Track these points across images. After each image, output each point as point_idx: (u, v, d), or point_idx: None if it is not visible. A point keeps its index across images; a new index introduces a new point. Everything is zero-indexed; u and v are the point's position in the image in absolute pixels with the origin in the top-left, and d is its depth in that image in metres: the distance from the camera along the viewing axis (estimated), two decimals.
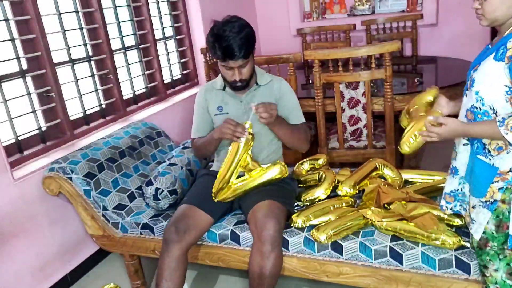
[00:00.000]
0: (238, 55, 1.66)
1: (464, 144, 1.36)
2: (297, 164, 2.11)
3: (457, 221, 1.53)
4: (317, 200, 1.83)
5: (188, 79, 3.52)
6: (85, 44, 2.51)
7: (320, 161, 2.10)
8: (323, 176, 1.94)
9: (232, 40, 1.64)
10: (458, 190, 1.43)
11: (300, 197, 1.88)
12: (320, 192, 1.84)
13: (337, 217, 1.66)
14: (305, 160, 2.12)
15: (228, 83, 1.81)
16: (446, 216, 1.54)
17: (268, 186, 1.80)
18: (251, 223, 1.70)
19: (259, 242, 1.62)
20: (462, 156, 1.38)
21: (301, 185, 2.02)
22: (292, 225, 1.71)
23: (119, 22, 2.76)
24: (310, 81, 2.98)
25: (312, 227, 1.67)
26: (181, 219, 1.75)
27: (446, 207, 1.48)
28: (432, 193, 1.78)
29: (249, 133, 1.71)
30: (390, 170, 1.91)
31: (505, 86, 1.21)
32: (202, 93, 1.97)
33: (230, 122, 1.72)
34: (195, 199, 1.85)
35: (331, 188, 1.87)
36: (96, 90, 2.59)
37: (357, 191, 1.82)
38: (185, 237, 1.71)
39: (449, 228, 1.48)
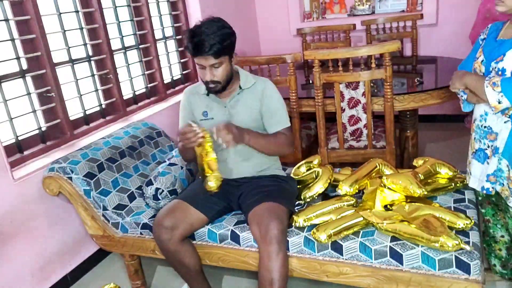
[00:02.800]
0: (208, 51, 1.63)
1: (505, 122, 1.48)
2: (294, 168, 2.12)
3: (459, 223, 1.52)
4: (316, 195, 1.85)
5: (188, 79, 3.52)
6: (85, 44, 2.51)
7: (315, 162, 2.10)
8: (319, 172, 1.95)
9: (205, 36, 1.63)
10: (497, 169, 1.53)
11: (300, 195, 1.89)
12: (319, 187, 1.86)
13: (338, 217, 1.66)
14: (301, 163, 2.12)
15: (204, 84, 1.78)
16: (448, 218, 1.53)
17: (270, 187, 1.81)
18: (253, 224, 1.68)
19: (265, 244, 1.60)
20: (503, 134, 1.49)
21: (300, 186, 2.02)
22: (293, 224, 1.71)
23: (119, 22, 2.76)
24: (310, 81, 2.98)
25: (312, 226, 1.67)
26: (167, 215, 1.76)
27: (493, 188, 1.57)
28: (433, 193, 1.78)
29: (203, 133, 1.65)
30: (390, 170, 1.91)
31: None
32: (186, 96, 1.94)
33: (181, 133, 1.67)
34: (187, 196, 1.86)
35: (328, 181, 1.89)
36: (96, 90, 2.59)
37: (357, 191, 1.83)
38: (174, 233, 1.74)
39: (449, 231, 1.48)
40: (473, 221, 1.55)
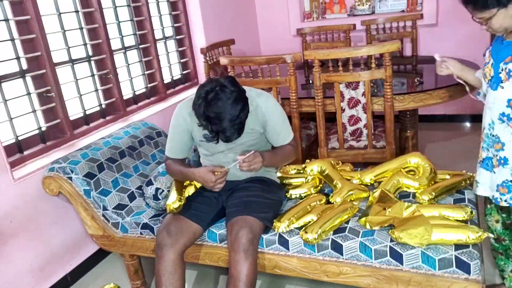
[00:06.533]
0: (233, 139, 1.64)
1: (511, 133, 1.48)
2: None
3: (469, 236, 1.47)
4: (298, 195, 1.91)
5: (188, 79, 3.52)
6: (85, 44, 2.51)
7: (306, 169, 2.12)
8: (308, 180, 1.99)
9: (228, 130, 1.57)
10: (510, 180, 1.51)
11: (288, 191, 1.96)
12: (303, 191, 1.93)
13: (319, 215, 1.69)
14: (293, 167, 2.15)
15: None
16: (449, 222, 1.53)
17: (253, 197, 1.78)
18: (227, 233, 1.71)
19: (233, 251, 1.63)
20: (510, 146, 1.50)
21: (286, 184, 2.04)
22: (275, 230, 1.71)
23: (119, 22, 2.76)
24: (310, 81, 2.98)
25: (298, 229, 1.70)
26: (171, 223, 1.74)
27: (501, 199, 1.55)
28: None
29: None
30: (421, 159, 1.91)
31: None
32: (183, 114, 1.78)
33: (211, 180, 1.67)
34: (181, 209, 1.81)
35: (312, 189, 1.94)
36: (96, 90, 2.59)
37: (373, 182, 1.89)
38: (178, 239, 1.70)
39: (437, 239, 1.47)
40: (480, 233, 1.45)
